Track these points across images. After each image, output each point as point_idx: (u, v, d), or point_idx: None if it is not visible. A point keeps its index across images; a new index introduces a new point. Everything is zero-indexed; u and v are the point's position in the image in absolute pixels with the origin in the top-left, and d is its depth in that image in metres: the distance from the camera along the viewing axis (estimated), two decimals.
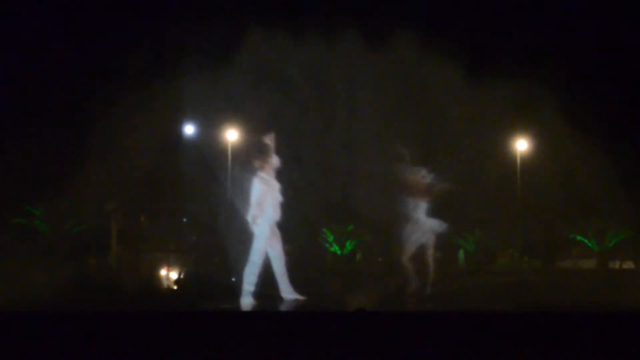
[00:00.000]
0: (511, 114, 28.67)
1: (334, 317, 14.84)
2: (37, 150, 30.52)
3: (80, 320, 13.69)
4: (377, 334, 13.00)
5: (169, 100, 28.06)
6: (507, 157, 33.84)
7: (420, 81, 24.57)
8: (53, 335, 12.79)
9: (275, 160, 20.30)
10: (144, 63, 29.79)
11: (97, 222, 35.06)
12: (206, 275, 28.71)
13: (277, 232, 20.42)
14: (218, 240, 27.91)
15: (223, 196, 27.75)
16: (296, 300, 20.03)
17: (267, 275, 20.49)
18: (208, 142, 30.46)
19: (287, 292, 20.25)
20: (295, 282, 20.52)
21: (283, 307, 19.22)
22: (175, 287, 29.27)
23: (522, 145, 35.02)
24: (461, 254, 38.22)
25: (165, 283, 32.53)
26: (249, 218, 20.18)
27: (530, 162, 34.51)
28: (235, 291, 21.27)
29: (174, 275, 33.41)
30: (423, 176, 21.59)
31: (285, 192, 20.34)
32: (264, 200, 20.10)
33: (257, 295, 19.96)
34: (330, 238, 38.08)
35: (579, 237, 38.31)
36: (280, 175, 20.49)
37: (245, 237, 21.05)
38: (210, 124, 30.48)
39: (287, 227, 20.76)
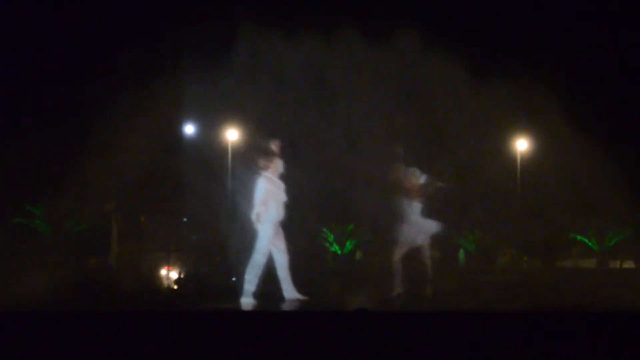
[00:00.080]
0: (511, 113, 28.64)
1: (335, 316, 14.82)
2: (37, 150, 30.54)
3: (80, 320, 13.68)
4: (378, 334, 12.99)
5: (169, 100, 28.04)
6: (507, 156, 33.86)
7: (419, 80, 24.54)
8: (53, 335, 12.78)
9: (280, 164, 20.27)
10: (144, 63, 29.80)
11: (97, 222, 35.12)
12: (206, 275, 28.74)
13: (281, 232, 20.38)
14: (219, 240, 27.92)
15: (223, 196, 27.75)
16: (298, 300, 20.00)
17: (268, 275, 20.47)
18: (208, 142, 30.45)
19: (289, 292, 20.22)
20: (296, 282, 20.49)
21: (283, 307, 19.20)
22: (175, 287, 29.28)
23: (522, 144, 35.05)
24: (461, 253, 38.26)
25: (165, 283, 32.55)
26: (253, 216, 20.12)
27: (530, 161, 34.54)
28: (235, 291, 21.27)
29: (174, 274, 33.43)
30: (417, 176, 21.43)
31: (288, 191, 20.29)
32: (268, 199, 20.06)
33: (258, 295, 19.93)
34: (331, 238, 38.13)
35: (579, 237, 38.38)
36: (283, 176, 20.43)
37: (246, 237, 21.03)
38: (210, 124, 30.46)
39: (288, 227, 20.73)
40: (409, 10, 29.07)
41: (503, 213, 31.28)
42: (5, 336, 12.66)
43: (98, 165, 28.07)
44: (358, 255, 38.37)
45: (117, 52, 30.86)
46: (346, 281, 25.41)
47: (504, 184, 31.67)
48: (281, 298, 20.00)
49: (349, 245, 38.58)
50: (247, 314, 17.35)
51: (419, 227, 21.31)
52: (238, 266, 22.49)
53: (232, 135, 32.73)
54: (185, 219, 35.63)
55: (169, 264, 34.95)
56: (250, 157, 20.64)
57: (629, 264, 39.22)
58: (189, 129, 31.60)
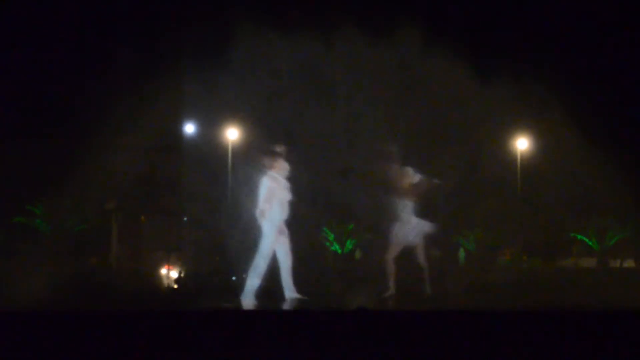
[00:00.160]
0: (512, 112, 28.63)
1: (335, 316, 14.82)
2: (37, 150, 30.55)
3: (80, 320, 13.67)
4: (378, 333, 12.99)
5: (169, 100, 28.04)
6: (507, 155, 33.86)
7: (419, 79, 24.53)
8: (53, 335, 12.78)
9: (284, 164, 20.27)
10: (144, 62, 29.78)
11: (97, 221, 35.13)
12: (207, 274, 28.72)
13: (286, 231, 20.37)
14: (219, 239, 27.92)
15: (223, 195, 27.77)
16: (298, 299, 20.00)
17: (269, 274, 20.46)
18: (208, 141, 30.46)
19: (290, 292, 20.22)
20: (296, 281, 20.48)
21: (284, 306, 19.20)
22: (175, 286, 29.27)
23: (522, 144, 35.05)
24: (461, 253, 38.26)
25: (165, 282, 32.54)
26: (257, 213, 20.11)
27: (530, 160, 34.54)
28: (235, 290, 21.25)
29: (174, 274, 33.42)
30: (410, 175, 21.34)
31: (293, 190, 20.29)
32: (272, 198, 20.05)
33: (259, 294, 19.92)
34: (331, 237, 38.14)
35: (579, 236, 38.38)
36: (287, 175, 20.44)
37: (247, 236, 21.04)
38: (210, 123, 30.47)
39: (288, 227, 20.72)
40: (410, 8, 29.05)
41: (503, 212, 31.29)
42: (5, 336, 12.66)
43: (98, 165, 28.07)
44: (357, 254, 38.37)
45: (117, 52, 30.86)
46: (346, 280, 25.40)
47: (505, 183, 31.67)
48: (281, 297, 20.01)
49: (349, 244, 38.58)
50: (247, 313, 17.34)
51: (411, 226, 21.24)
52: (238, 265, 22.50)
53: (232, 134, 32.73)
54: (185, 219, 35.64)
55: (169, 263, 34.94)
56: (254, 156, 20.62)
57: (629, 263, 39.21)
58: (189, 128, 31.61)
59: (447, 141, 25.54)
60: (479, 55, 26.26)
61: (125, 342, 12.48)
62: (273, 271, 20.40)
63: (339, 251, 38.35)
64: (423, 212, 21.36)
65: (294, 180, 20.21)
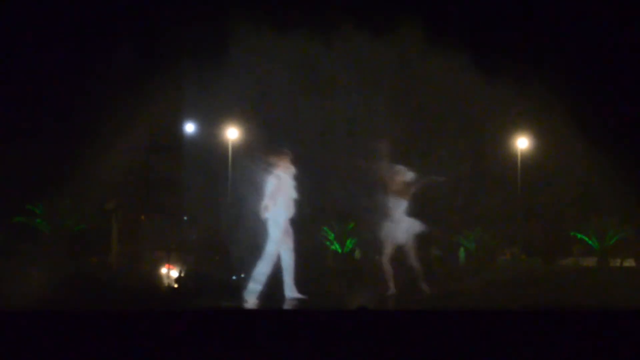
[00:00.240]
0: (512, 111, 28.63)
1: (335, 315, 14.82)
2: (37, 150, 30.55)
3: (80, 320, 13.67)
4: (378, 332, 12.99)
5: (169, 99, 28.05)
6: (507, 155, 33.87)
7: (419, 78, 24.52)
8: (53, 335, 12.77)
9: (290, 166, 20.29)
10: (144, 63, 29.78)
11: (97, 221, 35.14)
12: (207, 273, 28.71)
13: (290, 230, 20.38)
14: (219, 238, 27.91)
15: (224, 195, 27.76)
16: (298, 299, 20.00)
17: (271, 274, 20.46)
18: (208, 141, 30.46)
19: (291, 291, 20.23)
20: (296, 281, 20.48)
21: (284, 306, 19.20)
22: (175, 286, 29.26)
23: (522, 143, 35.04)
24: (461, 252, 38.25)
25: (165, 281, 32.51)
26: (261, 208, 20.10)
27: (530, 160, 34.55)
28: (236, 290, 21.24)
29: (174, 273, 33.39)
30: (402, 174, 21.26)
31: (298, 189, 20.30)
32: (276, 194, 20.06)
33: (262, 294, 19.92)
34: (331, 236, 38.11)
35: (579, 235, 38.37)
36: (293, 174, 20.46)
37: (248, 235, 21.05)
38: (210, 122, 30.47)
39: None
40: (411, 7, 29.02)
41: (504, 211, 31.28)
42: (5, 336, 12.65)
43: (98, 165, 28.07)
44: (357, 254, 38.34)
45: (117, 52, 30.84)
46: (346, 280, 25.39)
47: (505, 182, 31.67)
48: (282, 297, 20.02)
49: (349, 243, 38.56)
50: (247, 312, 17.34)
51: (402, 226, 21.15)
52: (238, 264, 22.50)
53: (232, 134, 32.73)
54: (185, 219, 35.65)
55: (169, 262, 34.92)
56: (260, 154, 20.62)
57: (629, 262, 39.19)
58: (189, 128, 31.60)
59: (447, 140, 25.53)
60: (480, 53, 26.22)
61: (125, 342, 12.47)
62: (273, 271, 20.41)
63: (339, 250, 38.33)
64: (415, 211, 21.31)
65: (298, 179, 20.22)
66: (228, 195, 28.76)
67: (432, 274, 24.99)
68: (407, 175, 21.23)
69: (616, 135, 31.93)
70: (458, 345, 12.38)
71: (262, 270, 20.04)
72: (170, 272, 33.39)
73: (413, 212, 21.23)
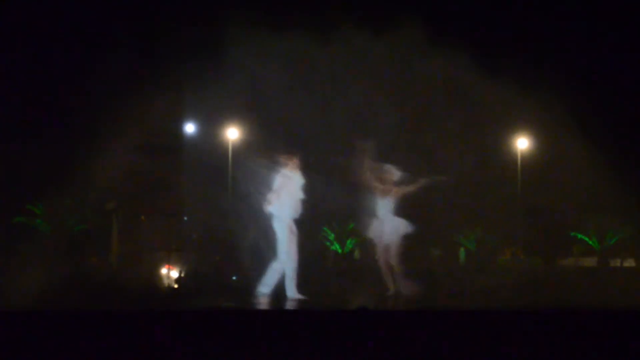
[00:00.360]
0: (512, 111, 28.64)
1: (336, 315, 14.82)
2: (37, 150, 30.54)
3: (80, 320, 13.67)
4: (378, 332, 12.99)
5: (169, 99, 28.05)
6: (508, 155, 33.87)
7: (419, 78, 24.53)
8: (53, 335, 12.77)
9: (298, 166, 20.32)
10: (144, 62, 29.78)
11: (97, 221, 35.11)
12: (207, 273, 28.72)
13: (295, 230, 20.43)
14: (220, 238, 27.92)
15: (224, 194, 27.75)
16: (299, 299, 20.03)
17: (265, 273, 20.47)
18: (208, 141, 30.47)
19: (291, 291, 20.26)
20: (298, 281, 20.50)
21: (284, 306, 19.21)
22: (176, 286, 29.26)
23: (522, 143, 35.04)
24: (462, 252, 38.23)
25: (166, 282, 32.51)
26: (264, 201, 20.16)
27: (531, 159, 34.54)
28: (235, 290, 21.26)
29: (174, 273, 33.40)
30: (391, 173, 21.22)
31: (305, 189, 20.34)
32: (281, 191, 20.12)
33: (270, 296, 19.96)
34: (331, 236, 38.09)
35: (579, 235, 38.33)
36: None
37: (248, 235, 21.06)
38: (210, 123, 30.49)
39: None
40: (411, 8, 29.02)
41: (504, 211, 31.28)
42: (5, 336, 12.65)
43: (98, 165, 28.07)
44: (357, 254, 38.31)
45: (117, 52, 30.83)
46: (347, 280, 25.40)
47: (505, 182, 31.68)
48: (283, 297, 20.04)
49: (349, 244, 38.54)
50: (247, 313, 17.34)
51: (387, 224, 21.10)
52: (239, 264, 22.51)
53: (232, 134, 32.74)
54: (185, 219, 35.65)
55: (170, 262, 34.92)
56: (268, 153, 20.66)
57: (629, 263, 39.17)
58: (189, 128, 31.62)
59: (447, 140, 25.54)
60: (481, 54, 26.23)
61: (125, 342, 12.47)
62: (269, 271, 20.42)
63: (339, 251, 38.32)
64: (416, 211, 21.31)
65: (305, 181, 20.28)
66: (228, 195, 28.76)
67: (432, 274, 25.02)
68: (395, 174, 21.21)
69: (616, 135, 31.93)
70: (458, 345, 12.38)
71: (275, 272, 20.11)
72: (171, 272, 33.40)
73: (404, 212, 21.24)
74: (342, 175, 21.94)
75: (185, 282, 28.92)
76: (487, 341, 12.53)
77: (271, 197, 20.08)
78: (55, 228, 34.55)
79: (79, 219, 34.78)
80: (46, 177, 30.83)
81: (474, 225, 35.08)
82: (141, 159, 30.17)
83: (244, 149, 29.22)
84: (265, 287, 20.06)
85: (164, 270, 34.46)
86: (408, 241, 21.29)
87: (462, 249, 38.07)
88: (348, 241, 38.23)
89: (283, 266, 20.13)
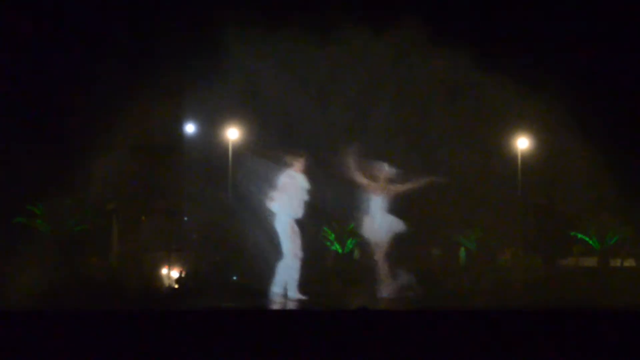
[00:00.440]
0: (513, 111, 28.63)
1: (336, 315, 14.83)
2: (37, 150, 30.53)
3: (80, 320, 13.68)
4: (378, 332, 12.99)
5: (169, 99, 28.06)
6: (508, 154, 33.85)
7: (419, 78, 24.53)
8: (53, 335, 12.78)
9: (304, 167, 20.34)
10: (144, 62, 29.79)
11: (98, 221, 35.11)
12: (207, 274, 28.75)
13: (297, 230, 20.45)
14: (220, 238, 27.93)
15: (224, 194, 27.75)
16: (299, 299, 20.04)
17: (266, 274, 20.47)
18: (209, 141, 30.47)
19: (292, 291, 20.27)
20: (298, 281, 20.50)
21: (284, 306, 19.22)
22: (176, 286, 29.29)
23: (523, 142, 35.02)
24: (462, 252, 38.21)
25: (166, 282, 32.53)
26: (267, 199, 20.18)
27: (531, 159, 34.52)
28: (235, 290, 21.28)
29: (175, 274, 33.42)
30: (384, 171, 21.20)
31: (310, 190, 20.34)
32: (284, 190, 20.14)
33: (272, 295, 19.96)
34: (332, 236, 38.07)
35: (580, 235, 38.31)
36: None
37: (248, 234, 21.06)
38: (210, 123, 30.48)
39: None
40: (411, 5, 29.00)
41: (504, 211, 31.27)
42: (5, 336, 12.66)
43: (98, 165, 28.07)
44: (356, 254, 38.29)
45: (117, 52, 30.84)
46: (347, 280, 25.42)
47: (505, 182, 31.67)
48: (283, 296, 20.04)
49: (350, 244, 38.50)
50: (247, 313, 17.34)
51: (380, 223, 21.09)
52: (238, 264, 22.52)
53: (232, 134, 32.73)
54: (185, 219, 35.65)
55: (170, 263, 34.93)
56: (277, 153, 20.66)
57: (630, 263, 39.16)
58: (190, 128, 31.62)
59: (447, 140, 25.54)
60: (481, 54, 26.22)
61: (125, 342, 12.47)
62: (273, 270, 20.43)
63: (340, 251, 38.30)
64: (416, 211, 21.30)
65: (310, 183, 20.29)
66: (229, 195, 28.75)
67: (432, 274, 25.01)
68: (387, 171, 21.19)
69: (616, 135, 31.91)
70: (458, 345, 12.38)
71: (285, 272, 20.14)
72: (171, 273, 33.41)
73: (404, 212, 21.23)
74: (339, 175, 21.92)
75: (185, 282, 28.95)
76: (487, 341, 12.52)
77: (274, 195, 20.10)
78: (55, 228, 34.53)
79: (79, 219, 34.77)
80: (46, 177, 30.82)
81: (474, 225, 35.05)
82: (141, 159, 30.20)
83: (245, 148, 29.20)
84: (277, 287, 20.08)
85: (164, 270, 34.48)
86: (401, 240, 21.26)
87: (462, 249, 38.05)
88: (348, 241, 38.19)
89: (289, 266, 20.13)
